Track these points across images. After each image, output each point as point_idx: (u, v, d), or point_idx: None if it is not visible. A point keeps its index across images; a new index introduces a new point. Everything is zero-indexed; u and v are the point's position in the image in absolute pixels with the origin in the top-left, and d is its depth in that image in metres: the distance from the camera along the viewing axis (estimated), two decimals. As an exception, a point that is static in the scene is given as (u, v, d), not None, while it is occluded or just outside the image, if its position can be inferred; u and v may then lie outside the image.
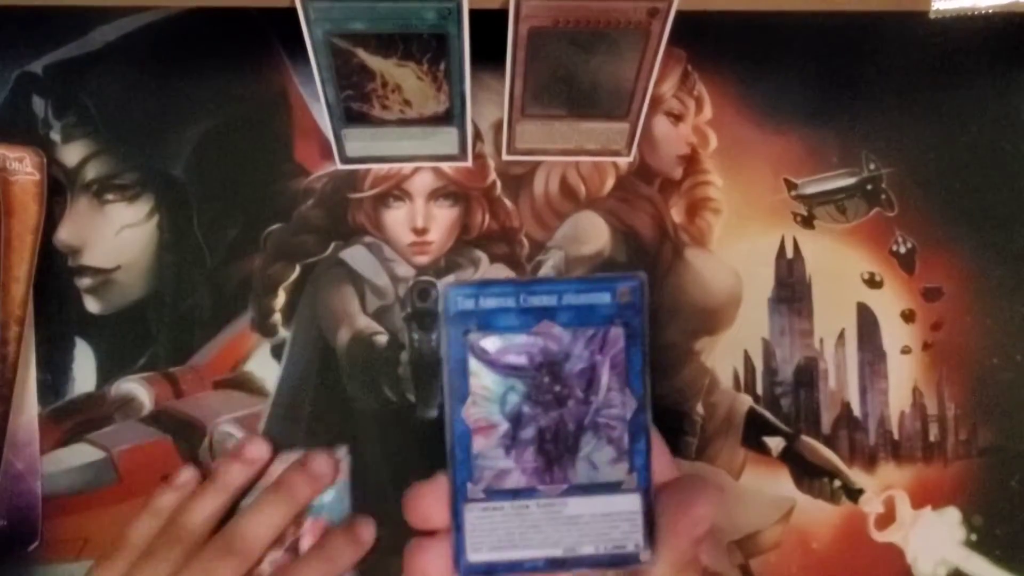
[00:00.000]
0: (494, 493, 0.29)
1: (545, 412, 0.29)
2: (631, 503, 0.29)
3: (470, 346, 0.29)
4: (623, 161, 0.48)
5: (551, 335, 0.29)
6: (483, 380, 0.29)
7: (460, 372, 0.29)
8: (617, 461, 0.29)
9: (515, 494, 0.29)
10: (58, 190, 0.45)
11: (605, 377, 0.29)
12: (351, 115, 0.42)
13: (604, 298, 0.29)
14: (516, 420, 0.29)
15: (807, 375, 0.47)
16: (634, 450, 0.29)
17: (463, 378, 0.29)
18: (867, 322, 0.48)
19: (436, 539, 0.30)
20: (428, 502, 0.30)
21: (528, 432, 0.29)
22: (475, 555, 0.29)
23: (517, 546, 0.29)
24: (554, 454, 0.29)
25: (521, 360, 0.29)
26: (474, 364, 0.29)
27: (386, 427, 0.45)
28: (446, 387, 0.29)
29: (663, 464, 0.31)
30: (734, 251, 0.48)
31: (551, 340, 0.29)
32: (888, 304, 0.48)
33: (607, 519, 0.29)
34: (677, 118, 0.48)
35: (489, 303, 0.29)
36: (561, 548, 0.29)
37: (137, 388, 0.45)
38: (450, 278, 0.46)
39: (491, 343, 0.29)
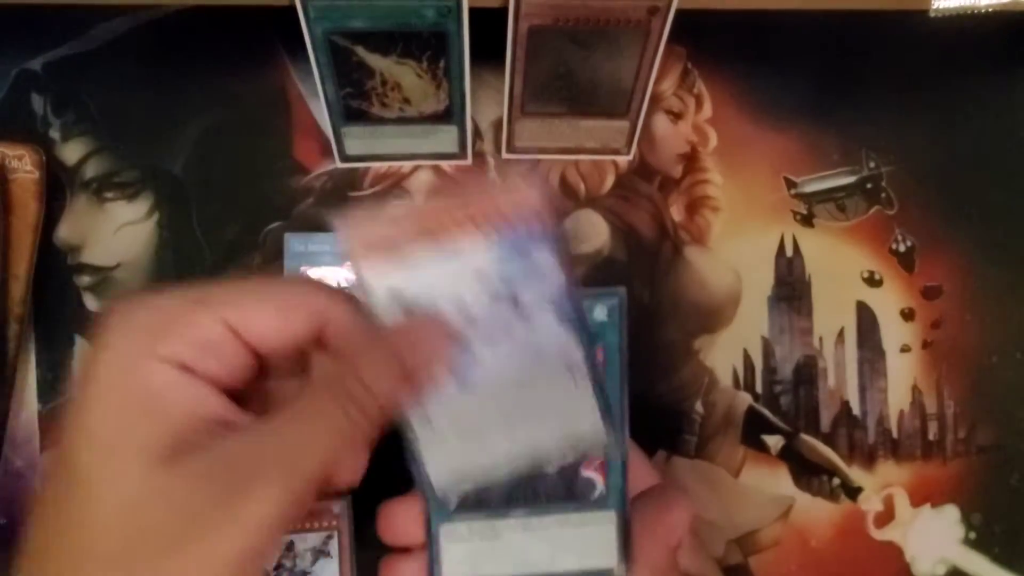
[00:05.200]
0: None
1: None
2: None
3: None
4: (623, 159, 0.48)
5: None
6: None
7: None
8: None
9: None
10: (58, 188, 0.45)
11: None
12: (350, 113, 0.42)
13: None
14: None
15: (806, 373, 0.47)
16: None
17: None
18: (866, 320, 0.48)
19: (410, 557, 0.29)
20: (402, 519, 0.29)
21: None
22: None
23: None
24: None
25: None
26: None
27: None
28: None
29: (642, 474, 0.31)
30: (733, 249, 0.48)
31: None
32: (888, 302, 0.48)
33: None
34: (677, 116, 0.48)
35: None
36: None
37: (137, 386, 0.45)
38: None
39: None
